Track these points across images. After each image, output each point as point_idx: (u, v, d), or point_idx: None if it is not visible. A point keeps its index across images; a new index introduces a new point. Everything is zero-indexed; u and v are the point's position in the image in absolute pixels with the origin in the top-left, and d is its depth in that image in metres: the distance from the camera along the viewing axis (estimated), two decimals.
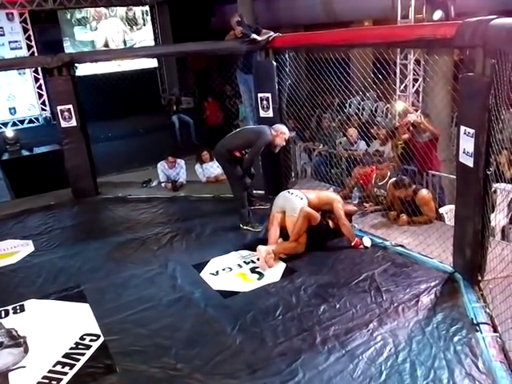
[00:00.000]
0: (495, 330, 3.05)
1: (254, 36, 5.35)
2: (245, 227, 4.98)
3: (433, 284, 3.65)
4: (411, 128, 5.44)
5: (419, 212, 4.71)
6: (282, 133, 5.04)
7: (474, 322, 3.14)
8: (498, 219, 4.27)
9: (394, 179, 4.89)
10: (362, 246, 4.34)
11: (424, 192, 4.76)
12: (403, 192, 4.72)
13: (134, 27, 14.69)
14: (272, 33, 5.38)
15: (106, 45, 14.23)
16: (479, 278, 3.57)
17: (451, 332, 3.08)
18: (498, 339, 2.96)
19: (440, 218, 4.91)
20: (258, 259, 4.17)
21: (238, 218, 5.02)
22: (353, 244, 4.34)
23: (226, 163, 5.07)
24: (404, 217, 4.74)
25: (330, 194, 4.72)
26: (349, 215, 4.60)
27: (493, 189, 3.51)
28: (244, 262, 4.28)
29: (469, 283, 3.57)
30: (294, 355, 2.98)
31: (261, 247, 4.16)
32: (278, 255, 4.20)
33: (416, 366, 2.81)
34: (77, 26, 14.04)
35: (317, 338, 3.12)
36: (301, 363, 2.90)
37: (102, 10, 14.17)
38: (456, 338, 3.02)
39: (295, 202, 4.40)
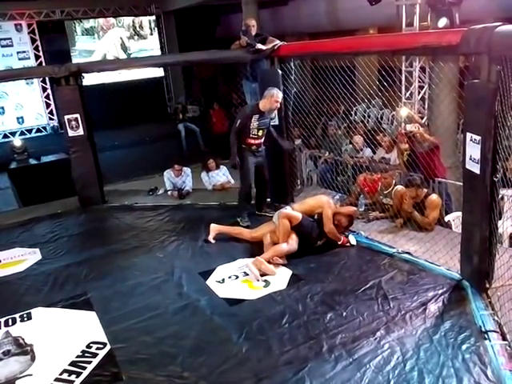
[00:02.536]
0: (504, 338, 3.01)
1: (259, 46, 5.38)
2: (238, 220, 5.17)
3: (440, 291, 3.62)
4: (411, 138, 5.43)
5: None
6: (270, 96, 4.94)
7: (483, 329, 3.11)
8: (505, 226, 4.24)
9: (406, 178, 4.89)
10: (348, 244, 4.52)
11: (434, 197, 4.76)
12: (414, 192, 4.69)
13: (141, 37, 14.84)
14: (278, 41, 5.40)
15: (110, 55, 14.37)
16: (487, 285, 3.55)
17: (459, 340, 3.05)
18: (507, 347, 2.93)
19: (446, 225, 4.88)
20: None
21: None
22: (340, 243, 4.49)
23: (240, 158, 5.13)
24: (401, 220, 4.78)
25: (319, 198, 4.76)
26: (349, 216, 4.63)
27: (500, 195, 3.49)
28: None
29: (476, 290, 3.54)
30: (301, 363, 2.96)
31: (248, 262, 4.20)
32: (272, 259, 4.21)
33: (424, 375, 2.78)
34: (84, 36, 14.20)
35: (323, 346, 3.10)
36: (307, 371, 2.88)
37: (110, 20, 14.34)
38: (464, 346, 2.99)
39: (276, 213, 4.62)
